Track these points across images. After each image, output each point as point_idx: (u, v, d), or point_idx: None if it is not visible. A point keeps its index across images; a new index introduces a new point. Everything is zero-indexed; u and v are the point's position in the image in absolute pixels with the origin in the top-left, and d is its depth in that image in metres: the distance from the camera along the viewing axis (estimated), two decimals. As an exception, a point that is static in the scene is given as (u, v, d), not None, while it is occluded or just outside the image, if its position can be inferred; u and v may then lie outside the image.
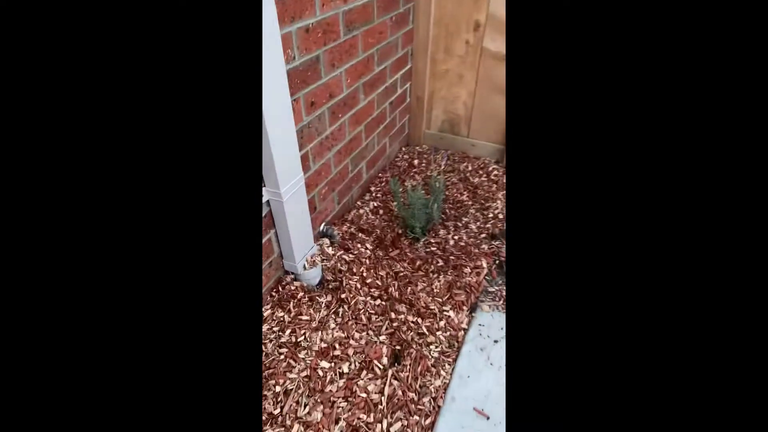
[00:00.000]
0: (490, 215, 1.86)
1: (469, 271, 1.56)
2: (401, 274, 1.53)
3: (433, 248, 1.66)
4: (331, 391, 1.16)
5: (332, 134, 1.48)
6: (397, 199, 1.69)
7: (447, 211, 1.87)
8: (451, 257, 1.61)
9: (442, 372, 1.24)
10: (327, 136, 1.45)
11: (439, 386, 1.20)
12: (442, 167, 2.13)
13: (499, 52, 1.85)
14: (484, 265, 1.58)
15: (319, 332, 1.31)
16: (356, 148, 1.71)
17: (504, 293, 1.49)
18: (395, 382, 1.19)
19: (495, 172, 2.13)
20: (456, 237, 1.72)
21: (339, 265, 1.54)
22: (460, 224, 1.80)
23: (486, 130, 2.12)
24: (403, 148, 2.28)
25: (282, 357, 1.24)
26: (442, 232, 1.75)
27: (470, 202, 1.93)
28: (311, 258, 1.46)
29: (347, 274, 1.50)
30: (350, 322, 1.35)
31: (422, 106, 2.13)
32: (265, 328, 1.33)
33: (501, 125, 2.05)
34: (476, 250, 1.64)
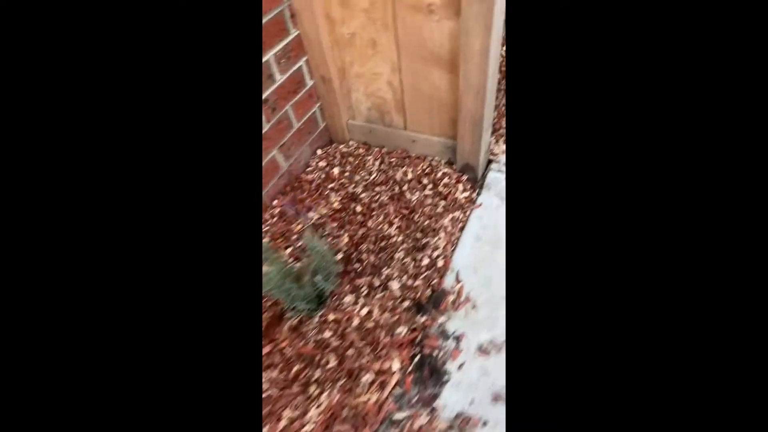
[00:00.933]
0: (425, 261, 1.25)
1: (370, 379, 1.02)
2: (264, 395, 1.01)
3: (328, 333, 1.12)
4: None
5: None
6: (273, 269, 1.11)
7: (364, 256, 1.28)
8: (350, 351, 1.07)
9: None
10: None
11: None
12: (304, 226, 1.36)
13: (419, 2, 1.10)
14: (395, 366, 1.03)
15: None
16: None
17: (419, 423, 0.95)
18: None
19: (445, 180, 1.47)
20: (366, 309, 1.16)
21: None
22: (378, 282, 1.22)
23: (427, 119, 1.42)
24: (318, 151, 1.63)
25: None
26: (348, 298, 1.19)
27: (401, 238, 1.32)
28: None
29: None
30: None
31: (333, 89, 1.45)
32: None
33: (447, 111, 1.35)
34: (388, 338, 1.08)
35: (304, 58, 1.37)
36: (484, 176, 1.48)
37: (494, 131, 1.61)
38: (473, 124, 1.27)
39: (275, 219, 1.42)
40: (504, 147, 1.56)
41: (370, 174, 1.53)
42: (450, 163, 1.50)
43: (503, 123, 1.64)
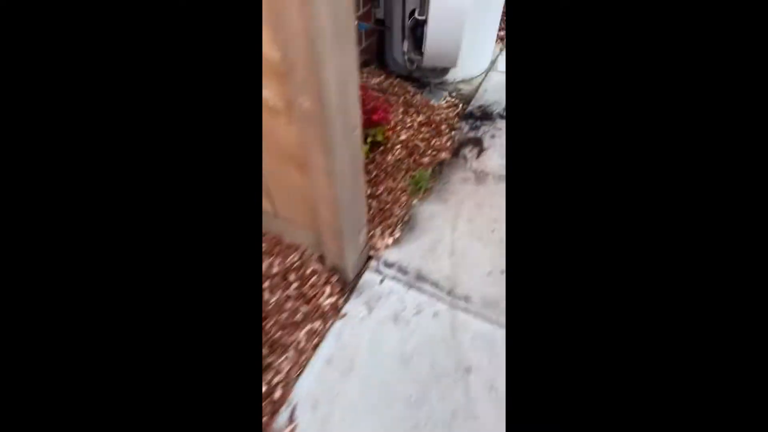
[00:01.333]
0: (261, 390, 1.07)
1: None
2: None
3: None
4: None
5: None
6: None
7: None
8: None
9: None
10: None
11: None
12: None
13: (265, 101, 0.95)
14: None
15: None
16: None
17: None
18: None
19: (313, 279, 1.31)
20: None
21: None
22: (198, 413, 1.02)
23: (295, 211, 1.26)
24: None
25: None
26: None
27: (243, 353, 1.14)
28: None
29: None
30: None
31: (193, 166, 1.26)
32: None
33: (310, 209, 1.19)
34: (181, 505, 0.89)
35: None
36: (358, 276, 1.33)
37: (383, 221, 1.47)
38: (332, 233, 1.12)
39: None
40: (390, 241, 1.43)
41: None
42: (320, 258, 1.34)
43: (397, 211, 1.52)
